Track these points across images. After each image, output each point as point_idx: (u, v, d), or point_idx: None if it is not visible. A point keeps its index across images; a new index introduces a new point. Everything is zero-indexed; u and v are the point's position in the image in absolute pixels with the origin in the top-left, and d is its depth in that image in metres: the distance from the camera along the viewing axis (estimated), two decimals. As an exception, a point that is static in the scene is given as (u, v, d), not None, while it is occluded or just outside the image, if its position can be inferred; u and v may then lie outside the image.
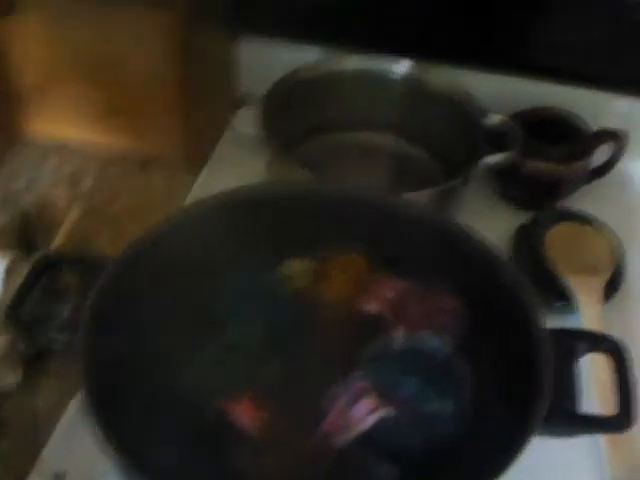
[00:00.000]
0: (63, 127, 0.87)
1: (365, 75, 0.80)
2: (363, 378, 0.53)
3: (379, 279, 0.62)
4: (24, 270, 0.71)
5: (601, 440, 0.64)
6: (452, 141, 0.79)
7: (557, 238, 0.75)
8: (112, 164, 0.86)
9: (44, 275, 0.58)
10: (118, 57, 0.81)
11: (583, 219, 0.77)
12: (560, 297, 0.72)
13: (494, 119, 0.77)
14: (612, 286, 0.73)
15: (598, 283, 0.73)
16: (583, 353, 0.54)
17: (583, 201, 0.82)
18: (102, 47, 0.80)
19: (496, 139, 0.76)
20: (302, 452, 0.52)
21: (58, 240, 0.74)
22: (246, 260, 0.62)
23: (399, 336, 0.57)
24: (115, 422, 0.48)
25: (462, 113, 0.77)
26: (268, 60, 0.87)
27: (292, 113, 0.78)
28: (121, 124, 0.85)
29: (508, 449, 0.48)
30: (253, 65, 0.90)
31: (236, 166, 0.85)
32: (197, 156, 0.87)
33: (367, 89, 0.81)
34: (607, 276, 0.73)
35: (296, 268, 0.63)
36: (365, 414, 0.51)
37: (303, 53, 0.86)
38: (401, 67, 0.81)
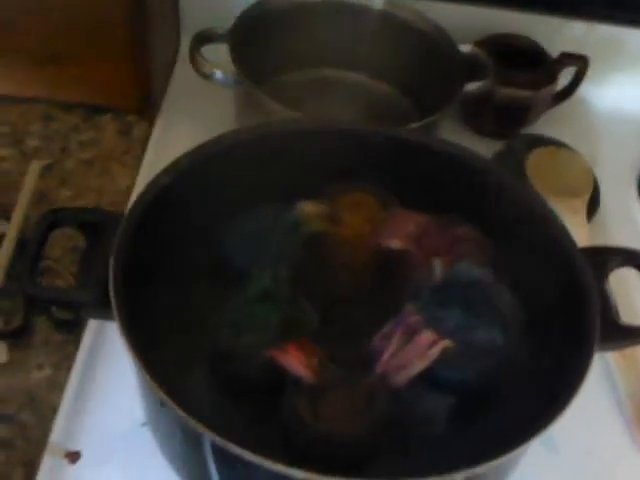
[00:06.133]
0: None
1: (334, 8, 0.77)
2: (414, 313, 0.51)
3: (394, 215, 0.60)
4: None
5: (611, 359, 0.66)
6: (424, 75, 0.77)
7: (536, 163, 0.75)
8: (56, 118, 0.79)
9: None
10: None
11: (557, 144, 0.78)
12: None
13: (465, 50, 0.76)
14: (591, 207, 0.75)
15: (581, 204, 0.74)
16: (614, 268, 0.55)
17: (547, 127, 0.83)
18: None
19: (466, 70, 0.75)
20: (360, 394, 0.50)
21: (22, 204, 0.67)
22: (255, 207, 0.58)
23: (437, 269, 0.55)
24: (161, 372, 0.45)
25: (435, 46, 0.76)
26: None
27: (259, 48, 0.73)
28: (62, 73, 0.78)
29: (575, 370, 0.48)
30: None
31: (193, 107, 0.80)
32: (149, 101, 0.81)
33: (336, 22, 0.77)
34: (587, 197, 0.75)
35: (309, 210, 0.59)
36: (424, 349, 0.50)
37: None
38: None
